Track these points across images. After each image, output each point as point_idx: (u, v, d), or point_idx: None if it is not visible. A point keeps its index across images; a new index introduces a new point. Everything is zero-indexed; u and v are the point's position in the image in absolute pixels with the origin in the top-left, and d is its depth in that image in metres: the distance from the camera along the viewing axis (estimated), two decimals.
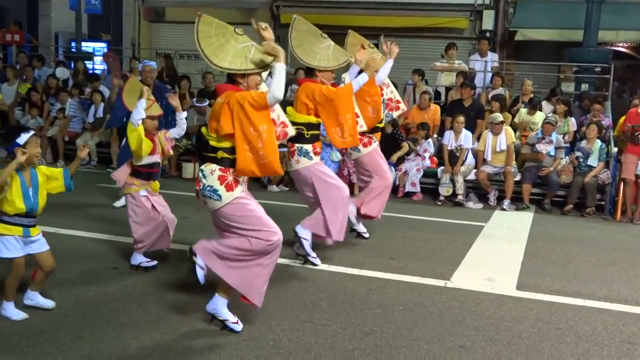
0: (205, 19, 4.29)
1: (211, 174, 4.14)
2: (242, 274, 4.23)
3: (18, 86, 13.03)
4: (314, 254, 5.94)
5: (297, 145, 5.77)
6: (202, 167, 4.22)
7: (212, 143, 4.14)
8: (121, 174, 5.68)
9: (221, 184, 4.13)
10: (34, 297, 4.57)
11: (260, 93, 4.10)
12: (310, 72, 5.86)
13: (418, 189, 9.78)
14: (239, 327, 4.31)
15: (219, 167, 4.15)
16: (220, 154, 4.15)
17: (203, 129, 4.13)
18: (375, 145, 6.84)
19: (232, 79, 4.23)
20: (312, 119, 5.78)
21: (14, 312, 4.41)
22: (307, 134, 5.77)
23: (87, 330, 4.26)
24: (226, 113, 4.04)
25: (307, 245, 5.89)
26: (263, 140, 4.03)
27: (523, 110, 10.30)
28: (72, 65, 14.44)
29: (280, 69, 4.03)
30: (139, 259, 5.64)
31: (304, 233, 5.88)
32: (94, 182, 9.78)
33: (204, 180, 4.17)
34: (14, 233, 4.39)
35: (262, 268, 4.25)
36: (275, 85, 3.99)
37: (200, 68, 14.76)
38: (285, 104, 5.40)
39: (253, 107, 4.00)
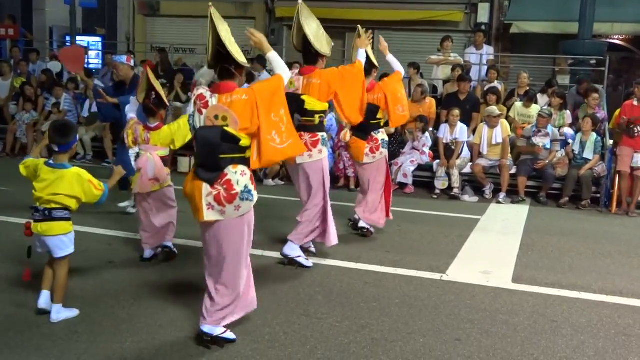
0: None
1: (242, 175, 3.95)
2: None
3: (12, 80, 12.98)
4: (304, 256, 5.82)
5: (319, 134, 5.67)
6: (229, 170, 3.92)
7: (244, 142, 3.95)
8: (146, 183, 5.58)
9: (252, 183, 4.01)
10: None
11: (274, 78, 4.13)
12: (313, 59, 5.68)
13: (410, 180, 9.79)
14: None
15: (245, 166, 3.99)
16: (248, 153, 4.00)
17: (231, 130, 3.87)
18: (383, 152, 6.77)
19: (233, 73, 4.03)
20: (327, 105, 5.75)
21: (70, 312, 4.42)
22: (324, 122, 5.83)
23: (82, 325, 4.26)
24: (253, 108, 3.92)
25: (303, 260, 5.73)
26: (285, 124, 4.07)
27: (518, 104, 10.30)
28: None
29: (276, 56, 4.22)
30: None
31: (293, 251, 5.73)
32: None
33: (238, 185, 3.91)
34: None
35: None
36: (281, 67, 4.18)
37: (196, 62, 14.75)
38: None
39: (273, 93, 4.02)
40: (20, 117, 12.12)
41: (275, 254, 5.95)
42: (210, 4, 4.00)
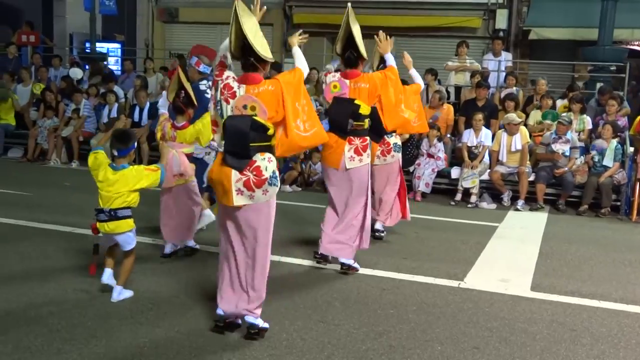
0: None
1: (269, 161, 4.12)
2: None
3: (32, 86, 13.13)
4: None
5: (368, 138, 5.72)
6: (258, 157, 4.08)
7: (270, 131, 4.13)
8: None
9: (277, 168, 4.21)
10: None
11: (296, 70, 4.34)
12: (355, 63, 5.69)
13: (429, 189, 9.76)
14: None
15: (271, 154, 4.17)
16: (274, 141, 4.20)
17: (259, 119, 4.06)
18: (395, 155, 6.83)
19: (257, 66, 4.18)
20: (370, 109, 5.78)
21: (128, 292, 4.90)
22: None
23: (102, 329, 4.28)
24: (278, 98, 4.14)
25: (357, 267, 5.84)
26: (306, 113, 4.31)
27: (535, 112, 10.23)
28: (86, 66, 14.52)
29: (300, 51, 4.53)
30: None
31: (351, 262, 5.82)
32: None
33: (266, 170, 4.08)
34: None
35: None
36: (303, 62, 4.42)
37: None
38: None
39: (297, 84, 4.27)
40: (42, 123, 12.25)
41: (293, 260, 5.97)
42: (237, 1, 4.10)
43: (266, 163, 4.09)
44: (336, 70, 5.94)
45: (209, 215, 6.69)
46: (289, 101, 4.16)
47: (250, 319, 4.20)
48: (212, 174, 4.22)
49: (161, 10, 17.90)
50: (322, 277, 5.63)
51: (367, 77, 5.69)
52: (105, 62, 15.61)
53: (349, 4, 5.58)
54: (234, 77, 4.18)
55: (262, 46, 4.11)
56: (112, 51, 17.39)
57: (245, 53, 4.12)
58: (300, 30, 5.44)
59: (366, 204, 5.76)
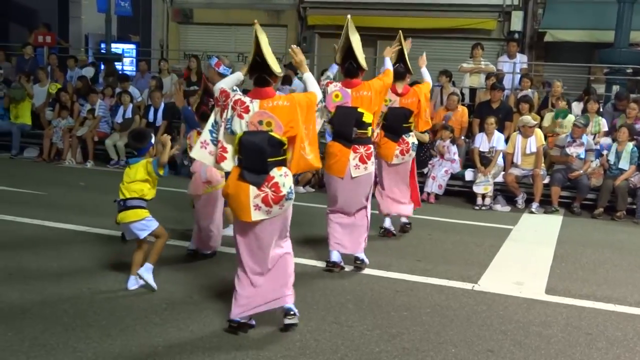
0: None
1: (286, 176, 4.18)
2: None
3: (48, 87, 13.23)
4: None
5: (371, 146, 5.81)
6: (275, 172, 4.15)
7: (285, 146, 4.21)
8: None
9: (292, 182, 4.27)
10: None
11: (310, 94, 4.41)
12: (355, 73, 5.75)
13: (442, 191, 9.73)
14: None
15: (286, 167, 4.24)
16: (288, 154, 4.27)
17: (276, 135, 4.12)
18: (412, 154, 6.95)
19: (269, 81, 4.27)
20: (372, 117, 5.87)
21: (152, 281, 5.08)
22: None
23: (116, 329, 4.31)
24: (294, 114, 4.20)
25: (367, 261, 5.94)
26: (310, 138, 4.36)
27: (550, 114, 10.17)
28: (102, 66, 14.62)
29: (311, 77, 4.54)
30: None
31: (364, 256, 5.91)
32: None
33: (284, 187, 4.14)
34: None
35: None
36: (316, 87, 4.48)
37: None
38: None
39: (309, 107, 4.34)
40: (57, 123, 12.33)
41: (305, 261, 5.97)
42: (256, 21, 4.24)
43: (284, 179, 4.14)
44: (328, 80, 5.98)
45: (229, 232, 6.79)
46: (304, 120, 4.27)
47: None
48: (228, 189, 4.22)
49: (176, 11, 17.98)
50: (335, 278, 5.63)
51: (367, 85, 5.74)
52: (120, 62, 15.73)
53: (349, 16, 5.66)
54: (241, 94, 4.26)
55: (274, 62, 4.23)
56: (127, 52, 17.51)
57: (257, 69, 4.22)
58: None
59: (367, 206, 5.87)
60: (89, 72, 13.84)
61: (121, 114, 12.00)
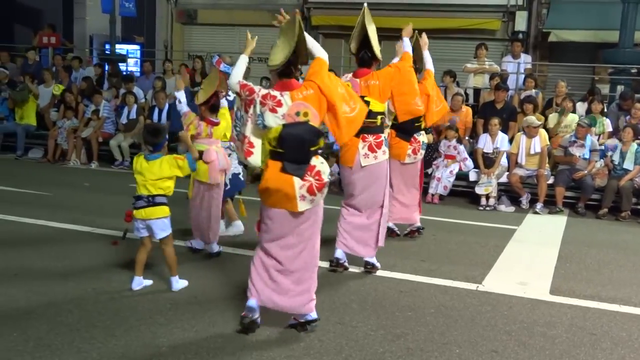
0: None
1: (323, 164, 4.31)
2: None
3: (53, 88, 13.26)
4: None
5: (382, 135, 5.72)
6: (315, 161, 4.24)
7: (322, 135, 4.34)
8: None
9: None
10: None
11: (320, 60, 4.42)
12: (369, 62, 5.72)
13: (447, 192, 9.72)
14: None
15: (321, 155, 4.34)
16: (322, 142, 4.35)
17: (314, 124, 4.23)
18: (422, 153, 6.96)
19: (293, 73, 4.34)
20: (385, 106, 5.79)
21: (183, 282, 5.22)
22: (385, 124, 5.92)
23: (120, 329, 4.32)
24: (321, 99, 4.29)
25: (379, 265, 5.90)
26: (348, 92, 4.57)
27: (554, 115, 10.15)
28: (106, 67, 14.66)
29: (312, 40, 4.54)
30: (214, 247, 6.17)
31: (375, 261, 5.87)
32: (127, 182, 9.89)
33: (324, 174, 4.26)
34: None
35: None
36: (320, 49, 4.50)
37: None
38: None
39: (326, 73, 4.41)
40: (62, 123, 12.36)
41: None
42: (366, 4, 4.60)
43: (324, 167, 4.27)
44: None
45: (238, 226, 6.80)
46: (331, 92, 4.30)
47: (309, 315, 4.40)
48: (269, 182, 4.18)
49: (180, 12, 18.02)
50: (339, 278, 5.63)
51: (376, 74, 5.69)
52: (124, 63, 15.76)
53: (365, 4, 5.60)
54: (267, 89, 4.28)
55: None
56: (131, 53, 17.54)
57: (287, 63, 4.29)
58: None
59: (383, 202, 5.75)
60: (91, 71, 13.85)
61: (126, 115, 12.02)
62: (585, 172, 9.16)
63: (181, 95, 5.99)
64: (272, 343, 4.19)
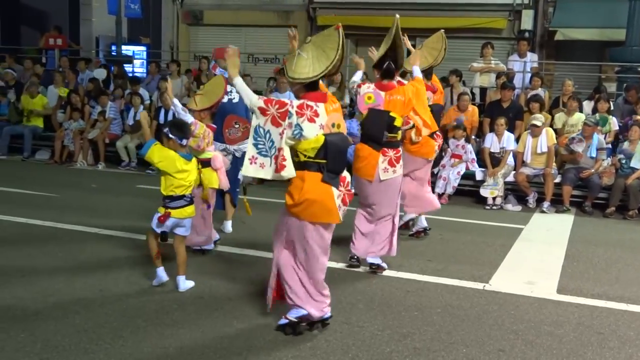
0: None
1: (347, 175, 4.39)
2: None
3: (58, 89, 13.31)
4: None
5: (401, 150, 5.80)
6: (345, 172, 4.37)
7: None
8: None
9: None
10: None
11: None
12: (392, 75, 5.71)
13: (453, 191, 9.69)
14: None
15: None
16: None
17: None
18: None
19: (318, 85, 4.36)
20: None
21: (190, 282, 5.22)
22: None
23: (127, 330, 4.32)
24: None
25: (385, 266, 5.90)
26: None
27: (561, 114, 10.12)
28: (112, 68, 14.71)
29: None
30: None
31: (378, 260, 5.87)
32: (134, 183, 9.94)
33: (351, 185, 4.42)
34: None
35: None
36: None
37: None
38: None
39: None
40: (68, 125, 12.40)
41: None
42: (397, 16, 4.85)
43: (349, 177, 4.37)
44: (362, 81, 5.93)
45: (228, 229, 6.98)
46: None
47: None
48: (308, 194, 4.10)
49: (186, 13, 18.05)
50: (345, 278, 5.63)
51: (401, 90, 5.69)
52: (130, 64, 15.81)
53: (397, 16, 5.61)
54: (299, 99, 4.23)
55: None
56: (137, 54, 17.60)
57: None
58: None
59: (395, 213, 5.82)
60: (100, 74, 13.90)
61: (132, 116, 12.04)
62: (592, 170, 9.13)
63: (178, 103, 5.86)
64: (278, 343, 4.18)
